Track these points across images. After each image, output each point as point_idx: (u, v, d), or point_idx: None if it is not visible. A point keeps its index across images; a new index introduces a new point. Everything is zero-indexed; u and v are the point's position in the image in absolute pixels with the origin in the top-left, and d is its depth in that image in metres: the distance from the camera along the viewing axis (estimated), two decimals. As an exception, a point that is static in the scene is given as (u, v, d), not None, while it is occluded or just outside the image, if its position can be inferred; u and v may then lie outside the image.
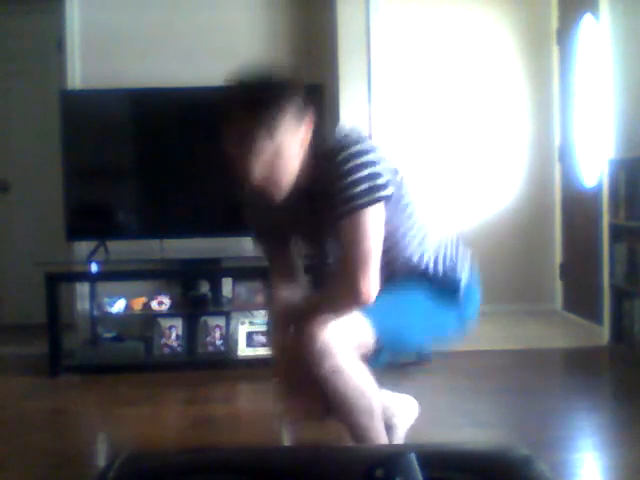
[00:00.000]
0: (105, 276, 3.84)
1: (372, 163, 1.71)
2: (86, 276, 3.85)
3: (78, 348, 3.88)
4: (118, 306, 3.92)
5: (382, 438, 1.84)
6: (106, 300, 3.95)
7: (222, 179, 4.25)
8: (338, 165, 1.71)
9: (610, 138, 4.07)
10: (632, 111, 3.91)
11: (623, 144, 3.99)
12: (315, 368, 1.72)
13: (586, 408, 2.99)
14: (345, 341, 1.75)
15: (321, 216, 1.81)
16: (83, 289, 4.11)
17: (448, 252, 2.02)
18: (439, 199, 4.90)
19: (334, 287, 1.80)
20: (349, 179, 1.70)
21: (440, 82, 5.11)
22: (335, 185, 1.71)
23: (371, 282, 1.72)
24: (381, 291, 1.76)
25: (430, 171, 5.04)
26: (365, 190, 1.70)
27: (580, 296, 4.81)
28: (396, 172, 1.83)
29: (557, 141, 5.12)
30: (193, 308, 3.93)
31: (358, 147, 1.72)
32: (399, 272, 1.91)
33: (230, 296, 4.00)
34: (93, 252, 3.87)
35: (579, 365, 3.78)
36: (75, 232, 3.91)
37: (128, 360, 3.79)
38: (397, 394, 2.21)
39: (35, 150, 4.91)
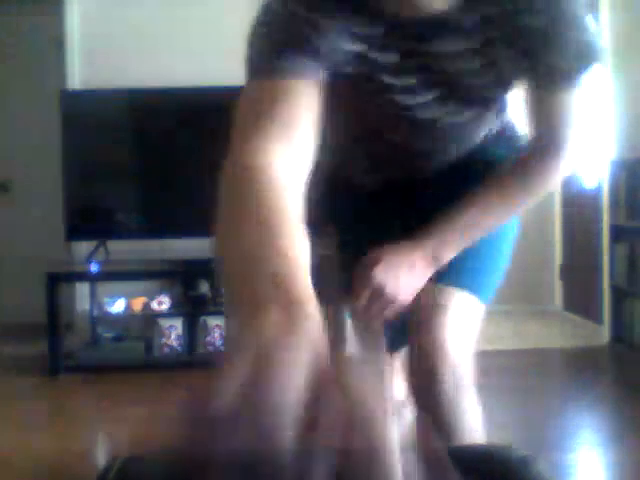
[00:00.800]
0: (105, 276, 3.84)
1: None
2: (86, 276, 3.85)
3: (78, 348, 3.88)
4: (118, 306, 3.92)
5: None
6: (106, 300, 3.95)
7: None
8: None
9: (611, 139, 4.07)
10: (632, 112, 3.91)
11: (623, 145, 3.99)
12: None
13: (586, 408, 2.99)
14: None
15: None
16: (83, 289, 4.11)
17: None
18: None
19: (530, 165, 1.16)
20: (580, 19, 1.00)
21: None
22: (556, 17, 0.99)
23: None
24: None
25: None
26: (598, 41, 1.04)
27: (580, 296, 4.81)
28: None
29: (557, 141, 5.12)
30: (193, 308, 3.93)
31: None
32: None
33: (230, 296, 3.99)
34: (93, 252, 3.86)
35: (579, 365, 3.78)
36: (75, 232, 3.91)
37: (128, 360, 3.79)
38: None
39: (35, 150, 4.91)
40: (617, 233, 3.96)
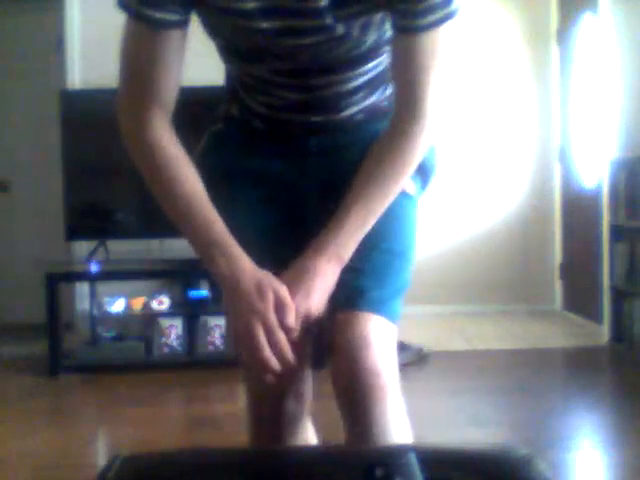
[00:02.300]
0: (105, 276, 3.84)
1: None
2: (86, 276, 3.85)
3: (78, 348, 3.88)
4: (118, 306, 3.92)
5: None
6: (106, 300, 3.95)
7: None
8: None
9: (611, 138, 4.07)
10: (633, 111, 3.91)
11: (623, 144, 3.99)
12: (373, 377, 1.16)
13: (586, 408, 2.99)
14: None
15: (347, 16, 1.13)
16: (83, 289, 4.11)
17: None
18: (437, 199, 4.90)
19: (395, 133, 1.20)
20: None
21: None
22: None
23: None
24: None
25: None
26: None
27: (580, 296, 4.82)
28: None
29: (557, 142, 5.12)
30: (193, 308, 3.93)
31: None
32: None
33: (230, 296, 4.00)
34: (93, 252, 3.87)
35: (579, 365, 3.78)
36: (75, 232, 3.91)
37: (128, 360, 3.80)
38: None
39: (35, 150, 4.91)
40: (617, 233, 3.96)
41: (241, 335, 1.11)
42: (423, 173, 1.37)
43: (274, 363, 1.09)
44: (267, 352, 1.09)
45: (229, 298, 1.13)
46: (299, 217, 1.31)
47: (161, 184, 1.20)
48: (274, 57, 1.21)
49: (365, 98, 1.31)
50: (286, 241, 1.27)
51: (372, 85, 1.30)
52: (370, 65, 1.26)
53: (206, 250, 1.16)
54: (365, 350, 1.17)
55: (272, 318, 1.09)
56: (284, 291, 1.12)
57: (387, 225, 1.24)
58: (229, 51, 1.27)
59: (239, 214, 1.26)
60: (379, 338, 1.19)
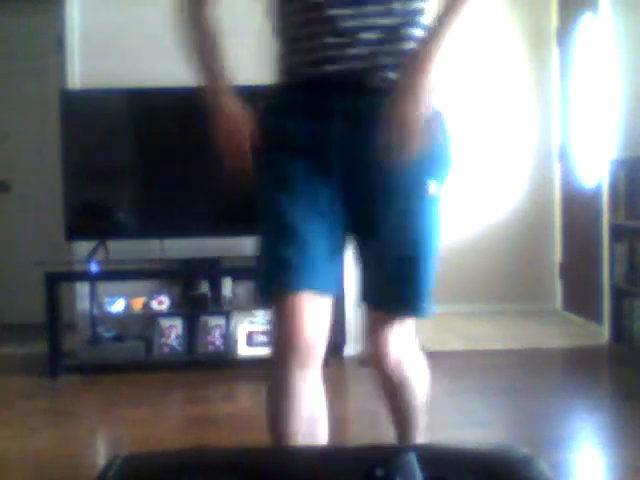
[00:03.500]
0: (105, 276, 3.84)
1: None
2: (86, 276, 3.85)
3: (78, 348, 3.88)
4: (118, 306, 3.92)
5: None
6: (106, 300, 3.95)
7: (222, 179, 4.25)
8: None
9: (611, 138, 4.07)
10: (633, 111, 3.91)
11: (623, 144, 3.99)
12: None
13: (586, 408, 2.99)
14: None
15: None
16: (83, 289, 4.11)
17: None
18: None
19: None
20: None
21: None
22: None
23: None
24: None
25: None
26: None
27: (580, 296, 4.82)
28: None
29: (557, 141, 5.12)
30: (193, 308, 3.93)
31: None
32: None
33: (230, 296, 4.00)
34: (93, 252, 3.86)
35: (579, 365, 3.78)
36: (75, 232, 3.91)
37: (128, 360, 3.80)
38: None
39: (35, 150, 4.91)
40: (617, 233, 3.96)
41: (225, 142, 1.56)
42: (441, 165, 1.54)
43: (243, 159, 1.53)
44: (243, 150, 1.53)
45: (221, 122, 1.57)
46: (328, 169, 1.52)
47: (200, 37, 1.67)
48: None
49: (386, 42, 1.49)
50: (318, 188, 1.51)
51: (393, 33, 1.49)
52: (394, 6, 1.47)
53: (213, 86, 1.60)
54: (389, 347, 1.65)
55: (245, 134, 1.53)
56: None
57: (414, 234, 1.52)
58: None
59: (287, 164, 1.52)
60: (401, 334, 1.66)
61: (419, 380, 1.81)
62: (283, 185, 1.50)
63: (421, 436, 1.86)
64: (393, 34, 1.48)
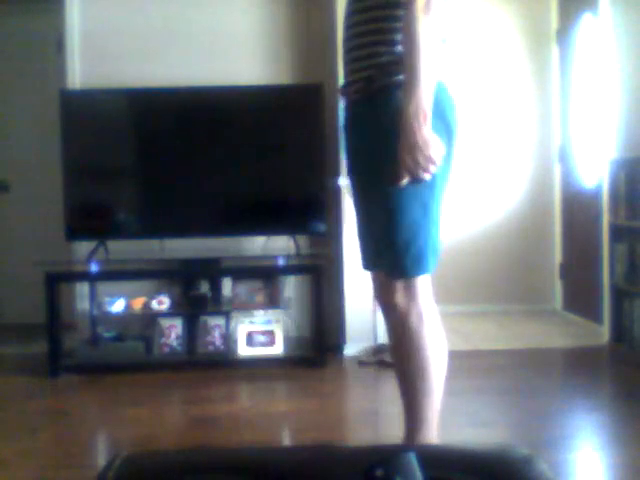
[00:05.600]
0: (105, 276, 3.84)
1: None
2: (86, 276, 3.85)
3: (78, 348, 3.88)
4: (118, 306, 3.92)
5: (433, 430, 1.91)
6: (106, 300, 3.95)
7: (222, 179, 4.26)
8: None
9: (611, 138, 4.07)
10: (633, 111, 3.91)
11: (623, 144, 3.99)
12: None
13: (586, 408, 2.99)
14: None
15: None
16: (83, 289, 4.11)
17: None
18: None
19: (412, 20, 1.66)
20: None
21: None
22: None
23: None
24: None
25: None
26: None
27: (580, 296, 4.82)
28: None
29: (557, 141, 5.12)
30: (193, 308, 3.93)
31: None
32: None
33: (230, 296, 4.00)
34: (93, 252, 3.87)
35: (579, 365, 3.78)
36: (75, 232, 3.91)
37: (128, 360, 3.80)
38: None
39: (35, 150, 4.92)
40: (617, 233, 3.96)
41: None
42: (446, 127, 1.74)
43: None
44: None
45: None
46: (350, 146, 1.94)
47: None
48: None
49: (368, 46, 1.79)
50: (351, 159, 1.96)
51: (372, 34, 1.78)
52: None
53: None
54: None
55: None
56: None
57: (390, 202, 1.75)
58: None
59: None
60: (400, 291, 1.86)
61: (425, 337, 1.87)
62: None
63: (431, 405, 1.91)
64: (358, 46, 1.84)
